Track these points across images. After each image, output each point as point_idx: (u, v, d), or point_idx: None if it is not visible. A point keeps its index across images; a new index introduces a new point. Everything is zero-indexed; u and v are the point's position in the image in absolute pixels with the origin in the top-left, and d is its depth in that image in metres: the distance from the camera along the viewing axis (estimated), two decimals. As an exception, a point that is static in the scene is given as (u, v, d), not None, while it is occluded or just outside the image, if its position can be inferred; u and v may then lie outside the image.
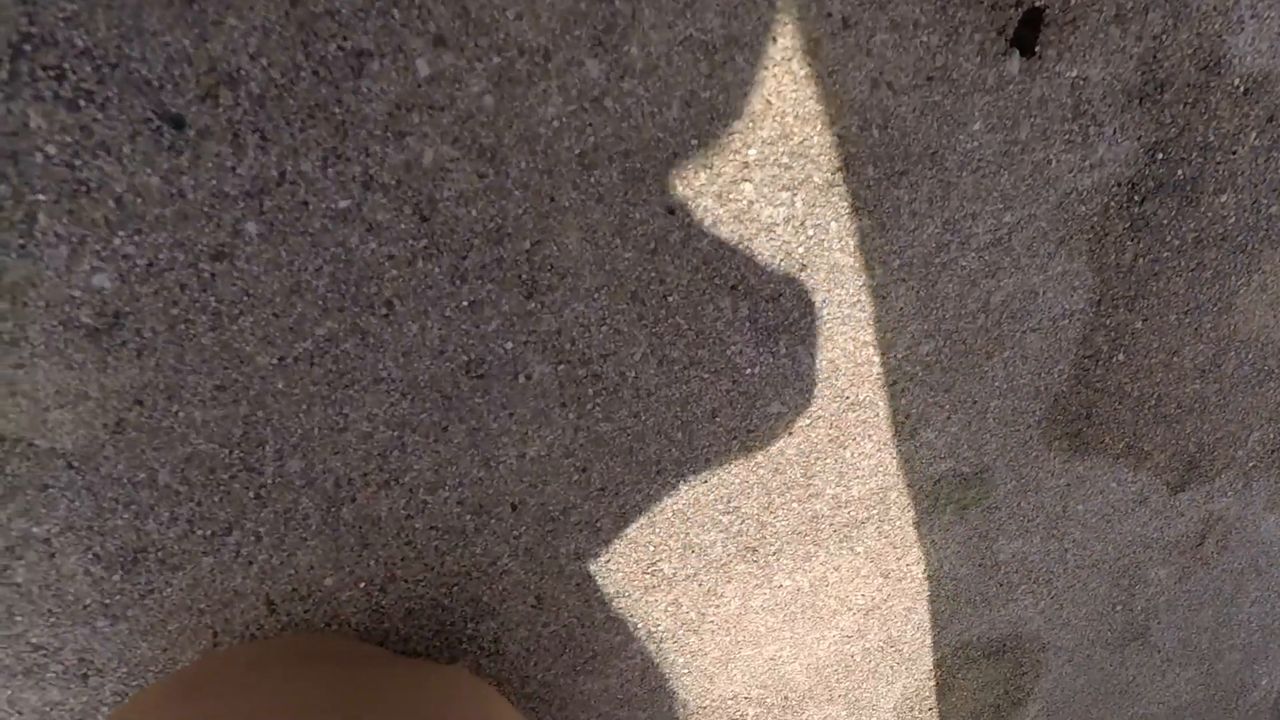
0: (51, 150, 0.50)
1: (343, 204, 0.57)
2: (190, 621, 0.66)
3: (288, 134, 0.54)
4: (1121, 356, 0.88)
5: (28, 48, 0.47)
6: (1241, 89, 0.76)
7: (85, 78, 0.49)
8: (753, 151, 0.63)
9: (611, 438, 0.72)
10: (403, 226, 0.58)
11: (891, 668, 1.02)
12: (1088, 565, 1.06)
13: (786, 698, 0.97)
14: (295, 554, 0.66)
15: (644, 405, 0.71)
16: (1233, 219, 0.84)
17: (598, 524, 0.75)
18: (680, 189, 0.63)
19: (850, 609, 0.94)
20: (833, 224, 0.68)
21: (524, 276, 0.62)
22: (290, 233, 0.56)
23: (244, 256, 0.56)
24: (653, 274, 0.65)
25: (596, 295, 0.65)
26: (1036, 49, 0.66)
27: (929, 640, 1.02)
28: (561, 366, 0.67)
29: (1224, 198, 0.82)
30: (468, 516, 0.70)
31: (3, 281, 0.52)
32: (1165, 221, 0.81)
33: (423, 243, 0.59)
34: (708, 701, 0.92)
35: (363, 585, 0.70)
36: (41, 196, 0.51)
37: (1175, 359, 0.92)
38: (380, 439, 0.64)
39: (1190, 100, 0.75)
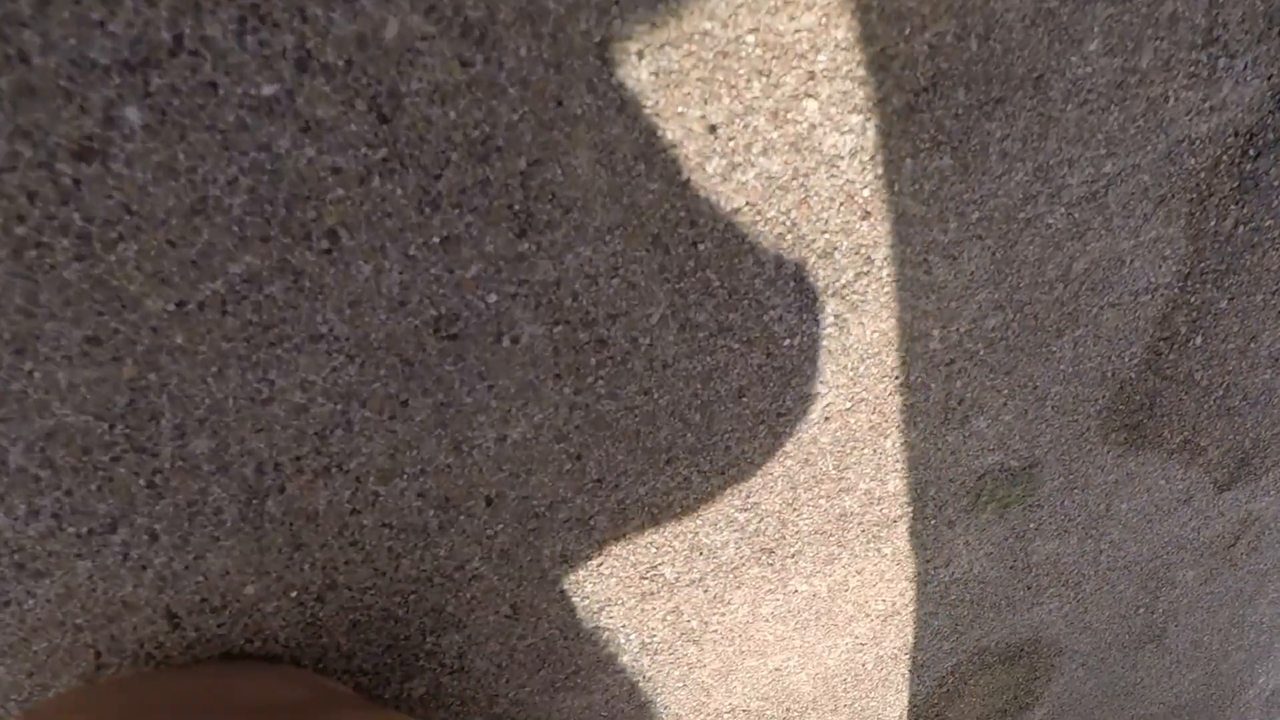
0: None
1: (267, 90, 0.40)
2: (63, 640, 0.51)
3: (182, -23, 0.37)
4: (1199, 340, 0.77)
5: None
6: (1389, 25, 0.63)
7: None
8: (822, 58, 0.48)
9: (615, 419, 0.57)
10: (353, 128, 0.42)
11: (903, 676, 0.92)
12: (1119, 567, 0.97)
13: (788, 710, 0.86)
14: (204, 556, 0.51)
15: (658, 380, 0.57)
16: (1344, 186, 0.72)
17: (591, 522, 0.62)
18: (727, 101, 0.48)
19: (868, 615, 0.82)
20: (908, 161, 0.54)
21: (516, 207, 0.47)
22: (191, 127, 0.40)
23: (123, 157, 0.40)
24: (682, 213, 0.51)
25: (609, 237, 0.50)
26: (1180, -53, 0.52)
27: (946, 646, 0.92)
28: (558, 328, 0.52)
29: (1341, 159, 0.70)
30: (431, 512, 0.56)
31: None
32: (1276, 182, 0.68)
33: (380, 153, 0.43)
34: (702, 716, 0.81)
35: (294, 594, 0.55)
36: None
37: (1252, 345, 0.80)
38: (318, 414, 0.49)
39: (1333, 34, 0.61)
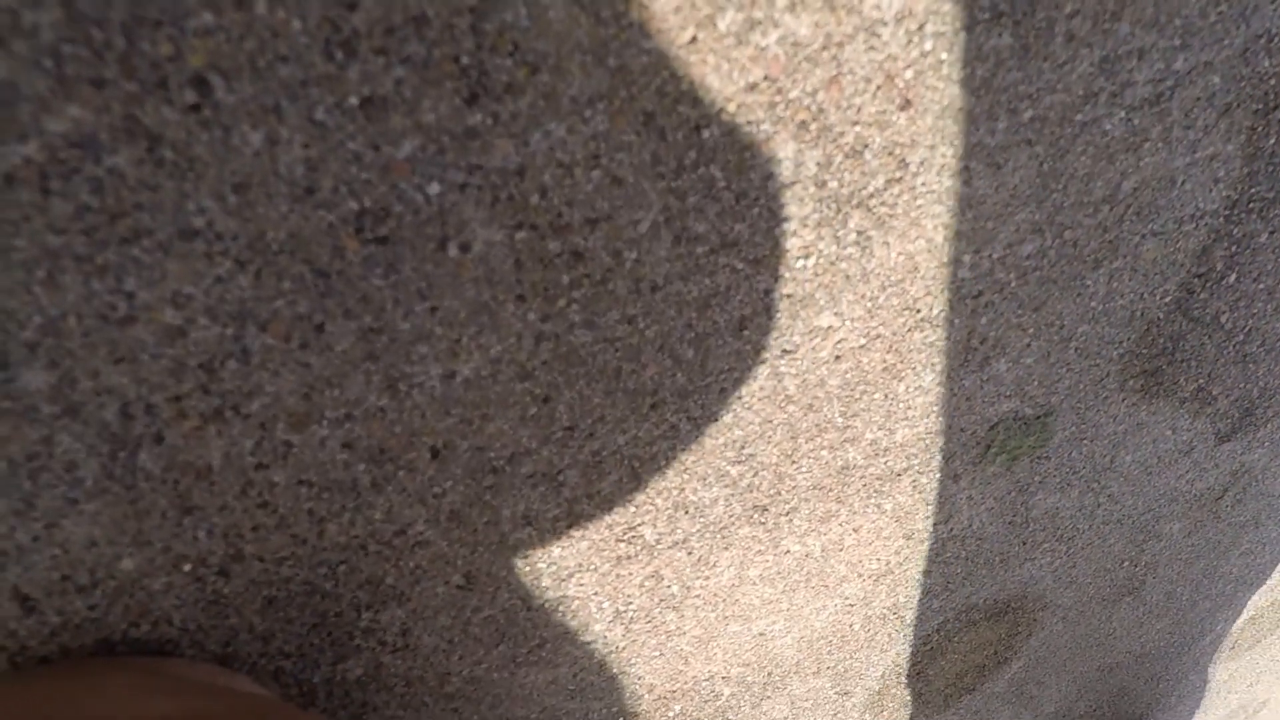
0: None
1: None
2: None
3: None
4: (1233, 277, 0.69)
5: None
6: None
7: None
8: (874, -124, 0.37)
9: (591, 353, 0.47)
10: (223, -77, 0.29)
11: (889, 636, 0.86)
12: (1113, 521, 0.92)
13: (770, 674, 0.79)
14: (59, 524, 0.39)
15: (645, 306, 0.46)
16: None
17: (560, 477, 0.52)
18: (750, -73, 0.36)
19: (861, 575, 0.75)
20: (962, 35, 0.43)
21: (464, 60, 0.35)
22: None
23: None
24: (684, 86, 0.39)
25: (588, 113, 0.38)
26: None
27: (935, 605, 0.86)
28: (522, 234, 0.40)
29: None
30: (361, 466, 0.45)
31: None
32: (1344, 97, 0.60)
33: (266, -36, 0.30)
34: (678, 685, 0.73)
35: (189, 568, 0.44)
36: None
37: (1281, 285, 0.74)
38: (201, 340, 0.37)
39: None
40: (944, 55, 0.44)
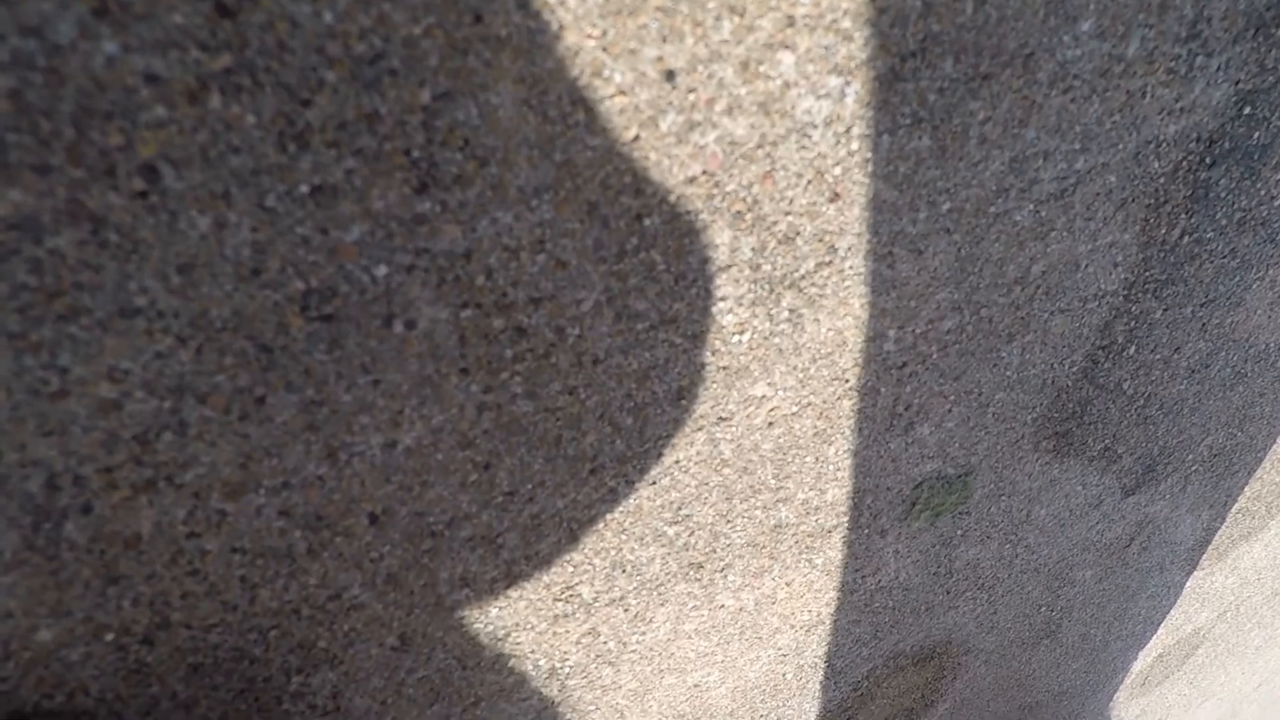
0: None
1: (46, -47, 0.28)
2: None
3: None
4: (1133, 349, 0.75)
5: None
6: (1345, 39, 0.62)
7: None
8: (804, 1, 0.40)
9: (533, 422, 0.48)
10: (178, 20, 0.30)
11: (821, 683, 0.88)
12: (1030, 570, 0.97)
13: (704, 724, 0.80)
14: (-29, 597, 0.38)
15: (586, 378, 0.48)
16: (1279, 202, 0.71)
17: (499, 540, 0.52)
18: (690, 42, 0.38)
19: (793, 626, 0.77)
20: (885, 138, 0.47)
21: (415, 153, 0.36)
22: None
23: None
24: (627, 179, 0.41)
25: (535, 202, 0.40)
26: (1185, -77, 0.47)
27: (865, 652, 0.89)
28: (466, 312, 0.42)
29: (1281, 174, 0.69)
30: (298, 533, 0.45)
31: None
32: (1223, 194, 0.67)
33: (222, 60, 0.31)
34: (614, 738, 0.74)
35: (111, 637, 0.43)
36: None
37: (1175, 356, 0.80)
38: (136, 412, 0.37)
39: (1300, 41, 0.59)
40: (869, 154, 0.47)
